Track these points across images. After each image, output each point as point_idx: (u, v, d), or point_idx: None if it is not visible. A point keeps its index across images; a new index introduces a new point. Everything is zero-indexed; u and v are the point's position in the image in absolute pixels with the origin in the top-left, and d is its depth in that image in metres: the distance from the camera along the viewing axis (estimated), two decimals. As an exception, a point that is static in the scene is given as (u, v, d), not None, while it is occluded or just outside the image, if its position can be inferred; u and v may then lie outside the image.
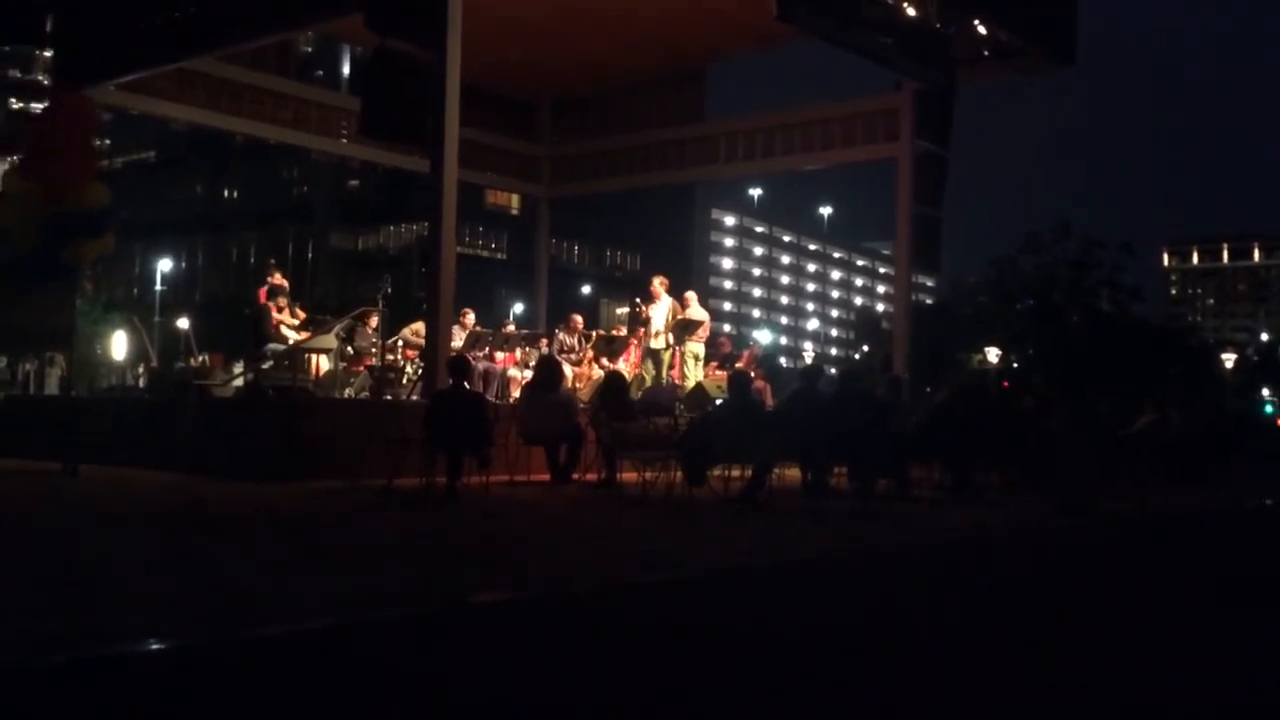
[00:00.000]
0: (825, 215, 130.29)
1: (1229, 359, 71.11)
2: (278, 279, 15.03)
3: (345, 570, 5.96)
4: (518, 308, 46.01)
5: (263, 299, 14.53)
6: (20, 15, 14.95)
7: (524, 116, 20.44)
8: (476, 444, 9.87)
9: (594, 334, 16.86)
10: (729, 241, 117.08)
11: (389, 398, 12.84)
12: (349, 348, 14.67)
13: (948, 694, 3.88)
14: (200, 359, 15.63)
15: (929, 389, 21.64)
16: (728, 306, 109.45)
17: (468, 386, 10.80)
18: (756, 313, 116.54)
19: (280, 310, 14.20)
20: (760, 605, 5.56)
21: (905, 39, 14.20)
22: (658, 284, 15.97)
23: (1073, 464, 12.42)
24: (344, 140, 18.12)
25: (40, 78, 71.42)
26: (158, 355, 23.77)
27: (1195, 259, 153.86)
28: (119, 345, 36.20)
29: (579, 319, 16.90)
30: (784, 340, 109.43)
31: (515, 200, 58.91)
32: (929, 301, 72.92)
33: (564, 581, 5.74)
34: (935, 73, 15.09)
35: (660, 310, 15.66)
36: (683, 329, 15.46)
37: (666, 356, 15.51)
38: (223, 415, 12.69)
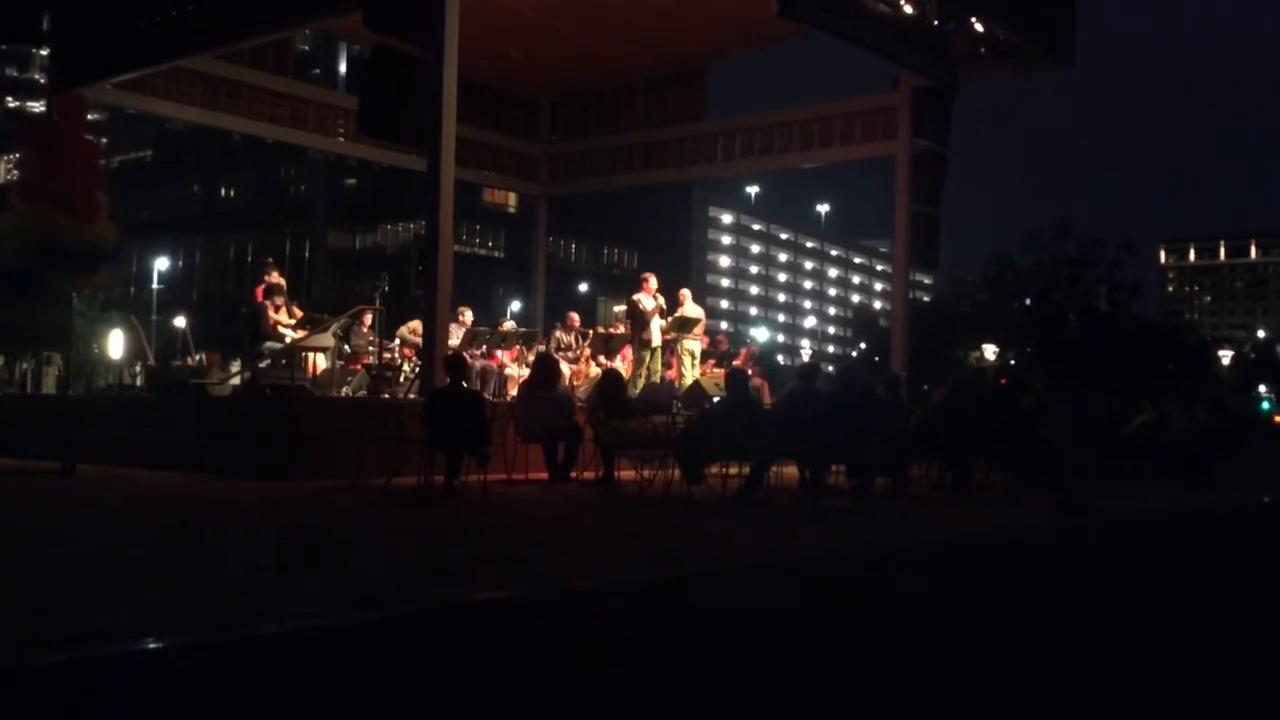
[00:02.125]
0: (822, 213, 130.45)
1: (1226, 356, 71.20)
2: (275, 277, 15.00)
3: (344, 569, 5.96)
4: (515, 306, 46.08)
5: (260, 297, 14.51)
6: (17, 13, 14.89)
7: (522, 114, 20.42)
8: (474, 442, 9.86)
9: (591, 332, 16.84)
10: (726, 239, 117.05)
11: (386, 396, 12.84)
12: (346, 346, 14.66)
13: (946, 692, 3.89)
14: (197, 358, 15.62)
15: (927, 387, 21.69)
16: (725, 304, 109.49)
17: (465, 385, 10.79)
18: (754, 310, 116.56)
19: (277, 309, 14.18)
20: (758, 603, 5.56)
21: (904, 34, 14.20)
22: (653, 281, 15.93)
23: (1071, 462, 12.42)
24: (341, 139, 18.12)
25: (37, 76, 71.37)
26: (155, 354, 23.72)
27: (1192, 256, 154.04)
28: (116, 344, 36.11)
29: (576, 317, 16.88)
30: (781, 338, 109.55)
31: (513, 198, 58.90)
32: (927, 299, 73.01)
33: (562, 579, 5.74)
34: (937, 67, 15.07)
35: (649, 306, 15.62)
36: (680, 326, 15.46)
37: (660, 353, 15.48)
38: (220, 414, 12.69)
